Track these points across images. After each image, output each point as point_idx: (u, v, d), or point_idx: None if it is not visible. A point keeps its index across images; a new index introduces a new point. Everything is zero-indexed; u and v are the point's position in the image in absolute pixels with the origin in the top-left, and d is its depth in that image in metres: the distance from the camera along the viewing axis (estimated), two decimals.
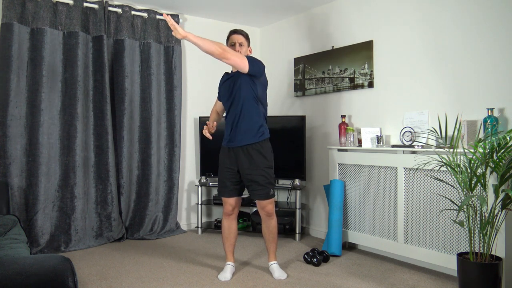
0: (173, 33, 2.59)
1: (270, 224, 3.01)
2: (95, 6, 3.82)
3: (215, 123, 3.00)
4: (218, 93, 3.14)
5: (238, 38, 2.94)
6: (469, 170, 2.46)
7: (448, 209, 2.67)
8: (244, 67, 2.78)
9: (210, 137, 2.98)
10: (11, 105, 3.42)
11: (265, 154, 2.90)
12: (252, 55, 3.00)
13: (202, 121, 4.39)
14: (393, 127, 3.51)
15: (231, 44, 2.95)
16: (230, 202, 2.98)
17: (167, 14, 2.49)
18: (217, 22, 4.72)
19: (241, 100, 2.87)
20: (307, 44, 4.36)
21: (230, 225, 3.02)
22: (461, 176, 2.47)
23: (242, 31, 2.98)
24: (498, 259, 2.45)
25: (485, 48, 2.90)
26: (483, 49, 2.92)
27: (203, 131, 2.96)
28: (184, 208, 4.55)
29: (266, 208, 2.95)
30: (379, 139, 3.40)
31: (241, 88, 2.86)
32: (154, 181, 4.17)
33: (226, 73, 3.08)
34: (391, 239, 3.27)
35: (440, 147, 2.82)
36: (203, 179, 4.32)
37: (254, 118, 2.89)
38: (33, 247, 3.46)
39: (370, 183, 3.43)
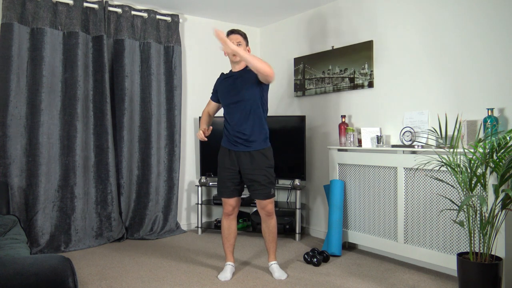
0: (222, 48, 2.62)
1: (270, 224, 3.01)
2: (95, 6, 3.82)
3: (210, 127, 2.99)
4: (213, 93, 3.13)
5: (236, 38, 2.93)
6: (469, 170, 2.46)
7: (448, 209, 2.66)
8: (272, 79, 2.84)
9: (206, 139, 2.98)
10: (11, 105, 3.42)
11: (266, 154, 2.92)
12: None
13: None
14: (393, 127, 3.51)
15: None
16: (230, 202, 2.98)
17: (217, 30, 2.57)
18: (217, 22, 4.72)
19: (246, 102, 2.87)
20: (307, 44, 4.36)
21: (230, 225, 3.03)
22: (461, 176, 2.47)
23: (240, 31, 2.98)
24: (498, 259, 2.45)
25: (485, 48, 2.90)
26: (483, 49, 2.92)
27: (198, 135, 2.96)
28: (184, 208, 4.55)
29: (266, 208, 2.96)
30: (379, 139, 3.40)
31: (248, 90, 2.87)
32: (154, 181, 4.17)
33: (223, 73, 3.08)
34: (391, 239, 3.27)
35: (440, 147, 2.82)
36: (203, 179, 4.32)
37: (260, 121, 2.91)
38: (33, 247, 3.46)
39: (370, 183, 3.43)
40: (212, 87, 3.16)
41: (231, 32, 2.98)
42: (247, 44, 3.00)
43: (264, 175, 2.89)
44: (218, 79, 3.09)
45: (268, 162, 2.92)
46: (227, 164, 2.94)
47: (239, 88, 2.88)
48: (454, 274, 2.90)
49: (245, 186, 3.02)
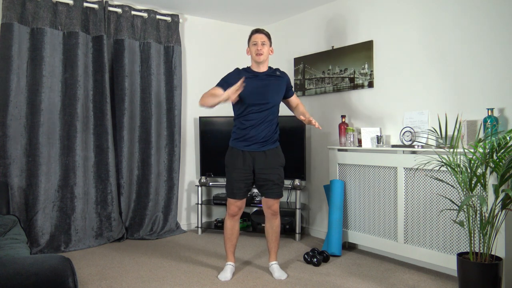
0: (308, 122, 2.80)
1: (274, 224, 3.03)
2: (95, 6, 3.82)
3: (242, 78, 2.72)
4: (223, 84, 2.87)
5: (261, 38, 2.91)
6: (469, 170, 2.46)
7: (448, 209, 2.66)
8: None
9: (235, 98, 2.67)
10: (11, 105, 3.42)
11: (278, 153, 2.98)
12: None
13: (202, 121, 4.38)
14: (393, 127, 3.51)
15: (253, 43, 2.91)
16: (239, 204, 2.98)
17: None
18: (217, 22, 4.72)
19: (270, 106, 2.90)
20: (307, 44, 4.36)
21: (233, 225, 3.03)
22: (461, 176, 2.47)
23: (264, 30, 2.95)
24: (498, 259, 2.45)
25: (485, 48, 2.90)
26: (483, 49, 2.92)
27: (233, 90, 2.63)
28: (184, 208, 4.55)
29: (273, 207, 2.98)
30: (379, 139, 3.40)
31: (274, 96, 2.89)
32: (154, 181, 4.16)
33: (238, 68, 2.95)
34: (391, 239, 3.27)
35: (440, 147, 2.82)
36: (203, 179, 4.32)
37: (275, 124, 2.97)
38: (33, 247, 3.46)
39: (370, 183, 3.43)
40: (217, 82, 2.95)
41: (256, 31, 2.94)
42: (270, 44, 2.98)
43: (277, 173, 2.94)
44: (236, 74, 2.91)
45: (280, 161, 2.97)
46: (240, 164, 2.91)
47: (266, 92, 2.87)
48: (454, 274, 2.89)
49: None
